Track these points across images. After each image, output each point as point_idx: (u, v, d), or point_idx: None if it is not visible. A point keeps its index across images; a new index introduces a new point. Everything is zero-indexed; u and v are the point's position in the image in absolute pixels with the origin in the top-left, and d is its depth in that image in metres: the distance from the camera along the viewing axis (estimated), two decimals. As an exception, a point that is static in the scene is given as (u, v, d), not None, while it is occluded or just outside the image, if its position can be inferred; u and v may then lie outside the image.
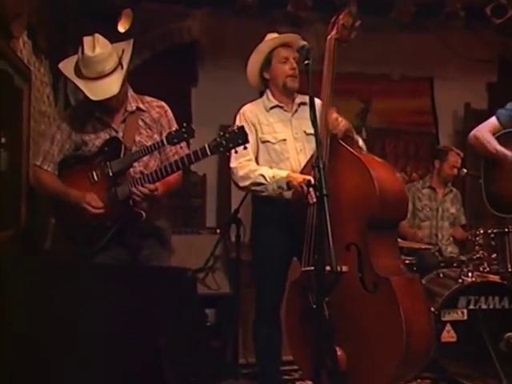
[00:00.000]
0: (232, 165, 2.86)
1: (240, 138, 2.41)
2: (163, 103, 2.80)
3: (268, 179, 2.77)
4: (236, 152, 2.47)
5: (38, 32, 3.34)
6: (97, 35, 2.59)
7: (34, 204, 3.39)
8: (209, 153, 2.43)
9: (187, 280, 2.05)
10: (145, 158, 2.68)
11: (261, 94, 3.08)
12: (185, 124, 2.49)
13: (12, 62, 2.91)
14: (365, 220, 2.57)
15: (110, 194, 2.61)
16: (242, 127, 2.43)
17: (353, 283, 2.54)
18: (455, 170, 4.36)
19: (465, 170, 4.25)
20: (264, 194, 2.82)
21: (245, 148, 2.44)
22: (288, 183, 2.72)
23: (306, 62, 2.39)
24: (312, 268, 2.46)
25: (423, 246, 4.18)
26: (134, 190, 2.54)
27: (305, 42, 2.50)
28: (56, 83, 4.07)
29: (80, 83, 2.58)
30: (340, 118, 2.73)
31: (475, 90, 5.31)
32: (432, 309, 3.38)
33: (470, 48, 5.02)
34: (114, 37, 2.72)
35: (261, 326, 2.96)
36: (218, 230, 4.12)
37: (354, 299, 2.54)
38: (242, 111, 2.96)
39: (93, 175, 2.65)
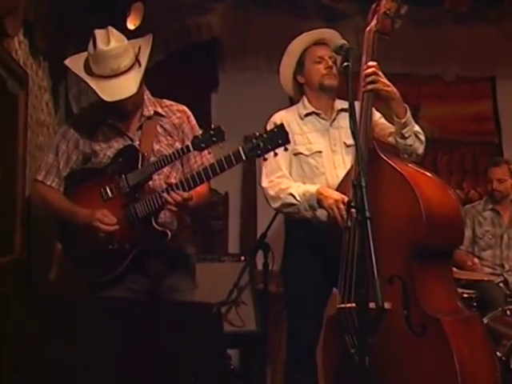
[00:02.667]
0: (263, 184, 2.87)
1: (280, 137, 2.37)
2: (184, 107, 2.80)
3: (298, 198, 2.76)
4: (275, 154, 2.42)
5: (35, 29, 3.36)
6: (110, 28, 2.59)
7: (30, 228, 3.39)
8: (244, 157, 2.39)
9: (211, 317, 2.03)
10: (165, 170, 2.65)
11: (291, 102, 3.06)
12: (213, 125, 2.46)
13: (5, 64, 2.92)
14: (409, 248, 2.50)
15: (128, 211, 2.58)
16: (282, 125, 2.40)
17: (397, 323, 2.47)
18: None
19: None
20: (298, 215, 2.80)
21: (285, 149, 2.41)
22: (318, 201, 2.68)
23: (346, 63, 2.34)
24: (350, 305, 2.41)
25: (485, 278, 4.07)
26: (165, 195, 2.49)
27: (343, 41, 2.44)
28: (56, 88, 4.09)
29: (91, 82, 2.57)
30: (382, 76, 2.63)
31: (546, 90, 5.21)
32: (498, 354, 3.26)
33: (540, 41, 4.93)
34: (122, 34, 2.72)
35: (293, 370, 2.92)
36: (243, 258, 4.12)
37: (399, 342, 2.47)
38: (272, 119, 2.95)
39: (106, 191, 2.62)
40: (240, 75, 4.87)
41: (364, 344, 2.12)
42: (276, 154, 2.42)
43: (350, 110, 2.29)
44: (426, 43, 4.94)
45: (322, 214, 2.77)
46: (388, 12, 2.68)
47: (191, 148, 2.47)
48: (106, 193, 2.62)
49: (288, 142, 2.38)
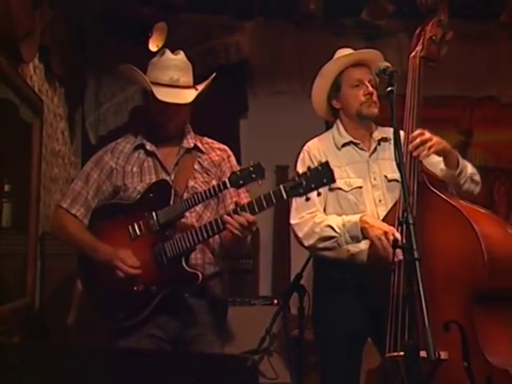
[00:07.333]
0: (292, 221, 2.84)
1: (325, 176, 2.40)
2: (226, 147, 2.90)
3: (337, 229, 2.72)
4: (319, 194, 2.44)
5: (52, 54, 3.45)
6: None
7: (44, 268, 3.43)
8: (285, 196, 2.42)
9: (247, 371, 2.01)
10: (198, 209, 2.70)
11: (327, 126, 3.05)
12: (252, 162, 2.50)
13: (19, 91, 3.00)
14: (468, 292, 2.44)
15: (156, 251, 2.62)
16: (327, 163, 2.41)
17: (456, 375, 2.41)
18: None
19: None
20: (333, 253, 2.78)
21: (330, 189, 2.46)
22: (362, 230, 2.66)
23: (390, 88, 2.31)
24: (400, 354, 2.38)
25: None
26: (226, 217, 2.51)
27: (386, 63, 2.41)
28: (72, 116, 4.19)
29: (148, 83, 2.68)
30: (428, 135, 2.56)
31: None
32: None
33: None
34: (144, 56, 2.79)
35: None
36: (275, 301, 4.12)
37: (458, 397, 2.43)
38: (306, 148, 2.95)
39: (134, 228, 2.67)
40: (271, 100, 4.91)
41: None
42: (319, 194, 2.44)
43: (395, 139, 2.25)
44: (479, 61, 4.92)
45: (360, 254, 2.77)
46: (434, 37, 2.68)
47: (228, 185, 2.51)
48: (135, 230, 2.66)
49: (333, 181, 2.41)
